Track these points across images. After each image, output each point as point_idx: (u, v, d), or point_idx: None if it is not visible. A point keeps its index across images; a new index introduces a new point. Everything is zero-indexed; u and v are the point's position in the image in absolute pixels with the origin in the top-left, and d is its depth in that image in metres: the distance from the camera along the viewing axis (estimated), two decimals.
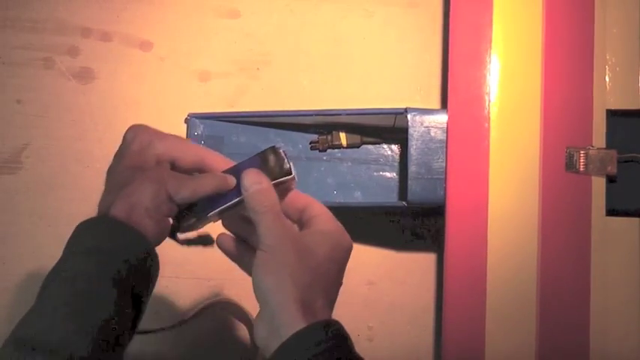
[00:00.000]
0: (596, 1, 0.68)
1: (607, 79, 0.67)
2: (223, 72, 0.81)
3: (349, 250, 0.48)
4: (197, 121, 0.76)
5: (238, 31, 0.82)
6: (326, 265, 0.46)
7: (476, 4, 0.69)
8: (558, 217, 0.66)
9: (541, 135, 0.66)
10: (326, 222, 0.48)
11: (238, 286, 0.77)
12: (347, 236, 0.48)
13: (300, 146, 0.78)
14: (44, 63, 0.81)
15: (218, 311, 0.78)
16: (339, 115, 0.73)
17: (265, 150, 0.48)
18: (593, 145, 0.66)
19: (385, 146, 0.77)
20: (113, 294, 0.41)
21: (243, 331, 0.78)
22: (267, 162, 0.48)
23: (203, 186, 0.46)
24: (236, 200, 0.47)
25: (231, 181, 0.47)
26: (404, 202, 0.69)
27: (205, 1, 0.82)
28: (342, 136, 0.76)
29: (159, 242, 0.46)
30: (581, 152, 0.66)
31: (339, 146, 0.77)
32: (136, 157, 0.46)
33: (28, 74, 0.81)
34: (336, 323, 0.44)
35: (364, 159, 0.77)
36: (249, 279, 0.47)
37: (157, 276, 0.46)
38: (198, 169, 0.49)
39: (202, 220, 0.49)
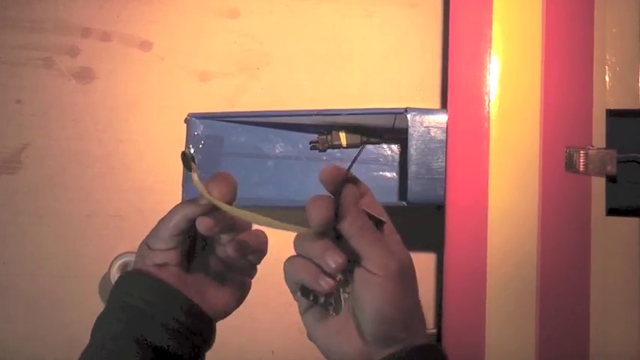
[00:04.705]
0: (596, 1, 0.68)
1: (607, 79, 0.67)
2: (223, 72, 0.81)
3: None
4: (197, 120, 0.76)
5: (238, 31, 0.82)
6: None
7: (476, 4, 0.69)
8: (558, 217, 0.66)
9: (541, 135, 0.66)
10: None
11: None
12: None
13: (300, 146, 0.78)
14: (44, 63, 0.81)
15: None
16: (339, 115, 0.72)
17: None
18: (593, 145, 0.66)
19: (385, 146, 0.77)
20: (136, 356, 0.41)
21: (242, 330, 0.78)
22: None
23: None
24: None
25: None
26: (404, 202, 0.69)
27: (205, 1, 0.82)
28: (342, 136, 0.76)
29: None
30: (581, 152, 0.66)
31: (339, 146, 0.77)
32: None
33: (28, 74, 0.81)
34: None
35: (364, 159, 0.77)
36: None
37: (208, 338, 0.47)
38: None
39: None
